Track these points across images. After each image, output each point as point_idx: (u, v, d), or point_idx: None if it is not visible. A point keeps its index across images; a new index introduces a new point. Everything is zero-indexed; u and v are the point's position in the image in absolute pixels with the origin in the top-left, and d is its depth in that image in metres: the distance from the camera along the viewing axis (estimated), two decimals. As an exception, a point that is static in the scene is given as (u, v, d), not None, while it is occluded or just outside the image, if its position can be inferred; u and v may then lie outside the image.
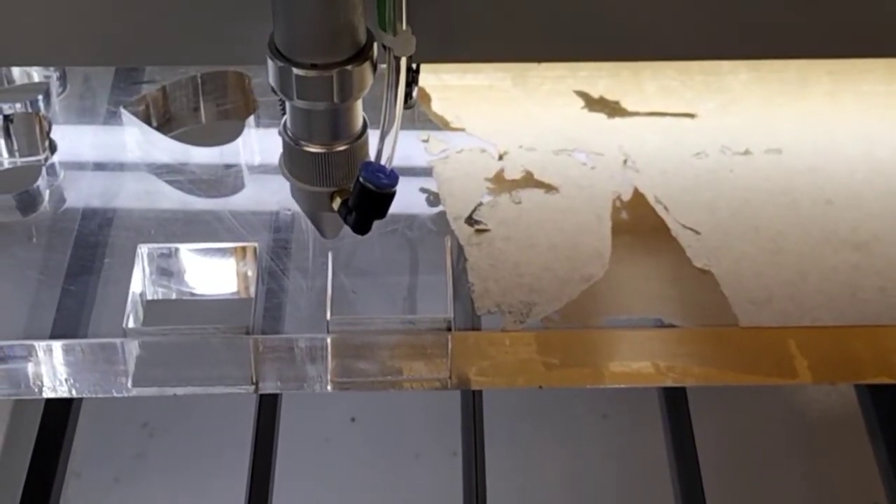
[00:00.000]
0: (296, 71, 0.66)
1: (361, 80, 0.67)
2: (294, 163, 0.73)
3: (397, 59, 0.67)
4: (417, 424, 1.18)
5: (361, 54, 0.67)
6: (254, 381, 0.83)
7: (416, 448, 1.17)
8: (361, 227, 0.70)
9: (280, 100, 0.70)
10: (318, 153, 0.71)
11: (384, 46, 0.67)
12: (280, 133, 0.72)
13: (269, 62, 0.67)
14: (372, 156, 0.69)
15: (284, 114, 0.71)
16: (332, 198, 0.72)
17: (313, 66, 0.66)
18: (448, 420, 1.08)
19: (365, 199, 0.68)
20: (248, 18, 0.68)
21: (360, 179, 0.68)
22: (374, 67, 0.68)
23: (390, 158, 0.68)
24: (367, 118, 0.72)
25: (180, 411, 1.19)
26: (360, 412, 1.19)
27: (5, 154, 0.94)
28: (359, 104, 0.70)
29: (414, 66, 0.69)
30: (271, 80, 0.68)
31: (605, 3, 0.70)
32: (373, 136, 0.71)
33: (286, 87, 0.67)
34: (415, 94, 0.70)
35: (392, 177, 0.68)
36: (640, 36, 0.71)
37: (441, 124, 0.97)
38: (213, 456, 1.15)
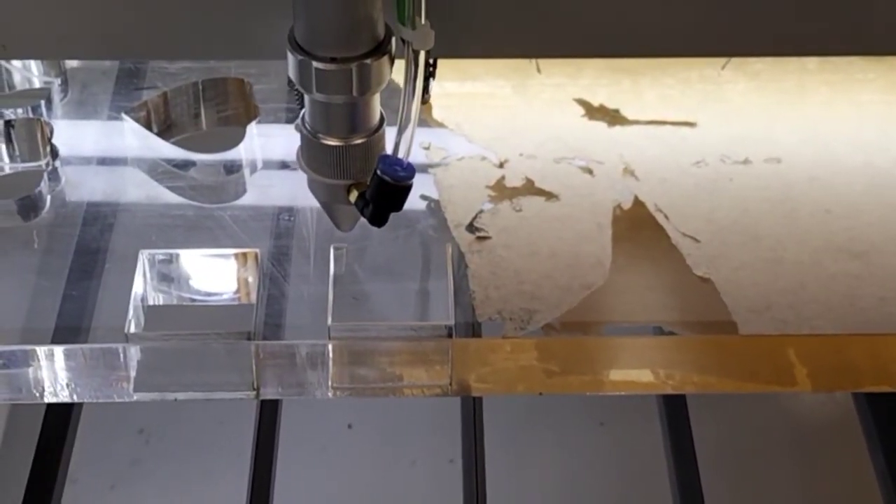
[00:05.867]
0: (315, 64, 0.67)
1: (380, 73, 0.68)
2: (312, 156, 0.73)
3: (416, 54, 0.67)
4: (414, 431, 1.18)
5: (380, 48, 0.68)
6: (255, 386, 0.83)
7: (413, 455, 1.17)
8: (378, 220, 0.71)
9: (297, 93, 0.71)
10: (335, 146, 0.72)
11: (402, 40, 0.68)
12: (297, 126, 0.73)
13: (289, 56, 0.68)
14: (388, 150, 0.70)
15: (302, 107, 0.72)
16: (348, 190, 0.73)
17: (333, 60, 0.67)
18: (444, 427, 1.09)
19: (382, 191, 0.69)
20: (269, 13, 0.69)
21: (378, 172, 0.69)
22: (392, 61, 0.68)
23: (408, 152, 0.69)
24: (383, 112, 0.72)
25: (176, 417, 1.19)
26: (357, 419, 1.20)
27: (7, 159, 0.94)
28: (376, 98, 0.71)
29: (431, 60, 0.70)
30: (291, 73, 0.69)
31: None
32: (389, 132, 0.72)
33: (306, 80, 0.68)
34: (431, 88, 0.71)
35: (409, 170, 0.69)
36: (653, 33, 0.73)
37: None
38: (209, 463, 1.15)
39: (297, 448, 1.13)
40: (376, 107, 0.72)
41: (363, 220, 0.74)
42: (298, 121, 0.73)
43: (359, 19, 0.66)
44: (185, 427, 1.19)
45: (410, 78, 0.68)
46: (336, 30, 0.66)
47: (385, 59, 0.68)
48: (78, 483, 1.13)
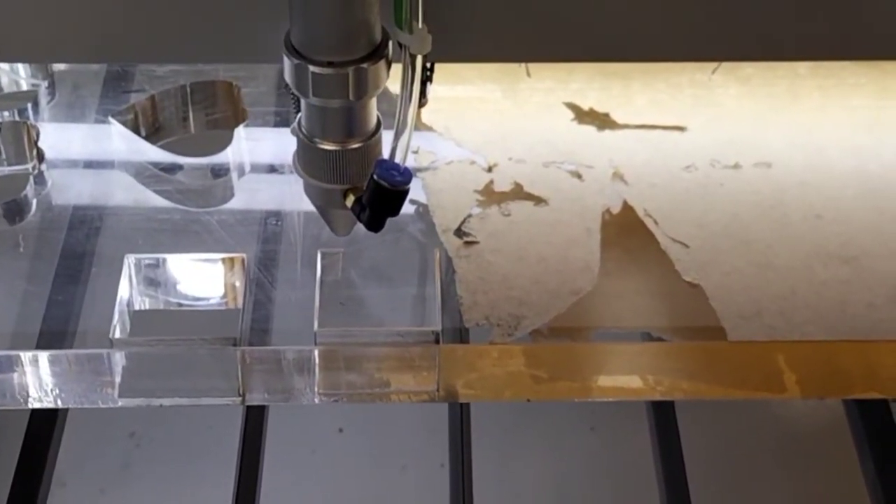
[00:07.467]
0: (312, 68, 0.67)
1: (377, 77, 0.68)
2: (308, 160, 0.73)
3: (413, 58, 0.67)
4: (405, 435, 1.18)
5: (377, 52, 0.67)
6: (241, 392, 0.83)
7: (403, 459, 1.17)
8: (375, 225, 0.71)
9: (293, 97, 0.71)
10: (332, 150, 0.72)
11: (400, 45, 0.67)
12: (293, 131, 0.73)
13: (286, 60, 0.67)
14: (385, 154, 0.70)
15: (298, 111, 0.72)
16: (345, 195, 0.73)
17: (329, 64, 0.67)
18: (436, 432, 1.08)
19: (379, 196, 0.69)
20: (265, 16, 0.69)
21: (375, 177, 0.68)
22: (389, 65, 0.68)
23: (404, 156, 0.69)
24: (380, 117, 0.72)
25: (166, 421, 1.18)
26: (348, 422, 1.19)
27: (-7, 162, 0.94)
28: (373, 102, 0.71)
29: (428, 64, 0.69)
30: (287, 77, 0.68)
31: (620, 4, 0.71)
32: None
33: (302, 84, 0.68)
34: (428, 92, 0.70)
35: (406, 174, 0.68)
36: (643, 37, 0.73)
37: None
38: (199, 467, 1.15)
39: (287, 451, 1.12)
40: (373, 111, 0.71)
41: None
42: (294, 125, 0.72)
43: (356, 23, 0.66)
44: (176, 430, 1.19)
45: (408, 82, 0.68)
46: (333, 34, 0.66)
47: (382, 63, 0.68)
48: (67, 487, 1.13)
